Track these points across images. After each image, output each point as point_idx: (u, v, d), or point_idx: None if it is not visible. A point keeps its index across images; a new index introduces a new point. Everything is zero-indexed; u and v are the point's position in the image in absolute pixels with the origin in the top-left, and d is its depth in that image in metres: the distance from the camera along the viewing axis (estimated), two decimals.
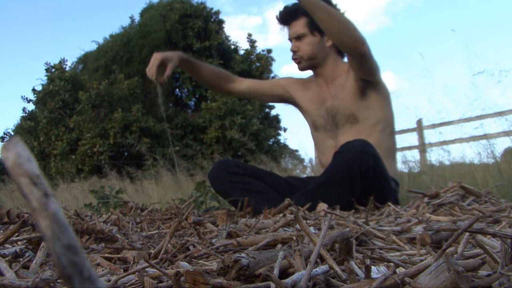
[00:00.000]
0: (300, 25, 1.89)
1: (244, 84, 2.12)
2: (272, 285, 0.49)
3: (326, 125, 1.93)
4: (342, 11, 1.88)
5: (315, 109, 1.96)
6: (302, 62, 1.92)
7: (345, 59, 1.95)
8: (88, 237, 0.88)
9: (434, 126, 4.96)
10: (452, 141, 4.27)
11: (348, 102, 1.85)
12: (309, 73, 2.03)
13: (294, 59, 1.95)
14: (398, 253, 0.78)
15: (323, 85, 1.95)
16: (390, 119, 1.89)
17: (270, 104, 13.60)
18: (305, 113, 2.03)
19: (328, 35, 1.79)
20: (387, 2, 30.03)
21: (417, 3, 29.70)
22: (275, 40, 25.00)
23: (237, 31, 26.34)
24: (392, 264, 0.60)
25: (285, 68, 22.46)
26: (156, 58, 1.84)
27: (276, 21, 1.97)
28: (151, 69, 1.83)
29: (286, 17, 1.93)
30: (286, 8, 1.93)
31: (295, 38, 1.91)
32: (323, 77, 1.95)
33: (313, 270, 0.54)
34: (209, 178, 1.94)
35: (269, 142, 12.36)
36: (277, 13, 1.95)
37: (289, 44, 1.97)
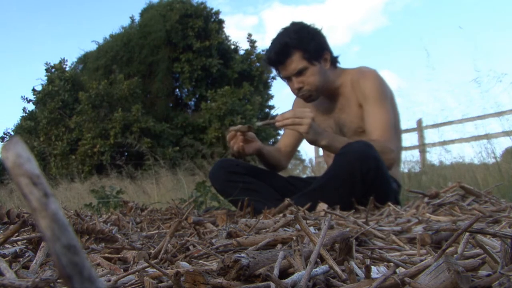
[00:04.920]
0: (297, 60, 1.80)
1: (289, 141, 2.08)
2: (272, 285, 0.49)
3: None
4: (319, 28, 1.87)
5: (323, 120, 1.95)
6: (312, 95, 1.86)
7: (345, 66, 1.94)
8: (88, 237, 0.88)
9: (434, 126, 4.97)
10: (452, 141, 4.28)
11: (354, 118, 1.85)
12: None
13: (301, 95, 1.87)
14: (398, 253, 0.78)
15: (329, 96, 1.93)
16: (396, 124, 1.88)
17: (270, 103, 13.62)
18: None
19: None
20: (385, 2, 30.07)
21: (415, 3, 29.71)
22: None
23: (233, 31, 26.39)
24: (392, 264, 0.60)
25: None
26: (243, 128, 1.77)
27: (268, 63, 1.89)
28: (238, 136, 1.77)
29: (280, 58, 1.82)
30: (275, 48, 1.84)
31: (295, 74, 1.82)
32: (327, 91, 1.91)
33: (313, 270, 0.54)
34: (209, 177, 1.94)
35: (269, 142, 12.38)
36: (267, 56, 1.87)
37: None
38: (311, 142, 1.65)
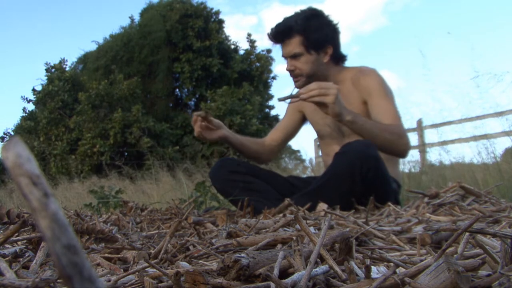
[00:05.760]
0: (295, 43, 1.82)
1: (275, 136, 2.09)
2: (272, 285, 0.49)
3: (332, 133, 1.93)
4: (334, 21, 1.87)
5: (320, 119, 1.94)
6: (300, 81, 1.87)
7: (345, 65, 1.93)
8: (88, 237, 0.88)
9: (434, 126, 4.97)
10: (452, 141, 4.28)
11: None
12: None
13: (292, 77, 1.89)
14: (398, 253, 0.78)
15: None
16: None
17: (270, 104, 13.62)
18: (312, 123, 2.03)
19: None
20: (384, 1, 30.03)
21: (414, 3, 29.68)
22: None
23: (233, 30, 26.38)
24: (392, 264, 0.61)
25: (281, 67, 22.44)
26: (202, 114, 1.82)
27: (269, 39, 1.91)
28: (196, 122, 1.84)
29: (280, 36, 1.86)
30: (278, 26, 1.87)
31: (290, 57, 1.85)
32: None
33: (313, 270, 0.54)
34: (210, 176, 1.94)
35: None
36: (270, 31, 1.89)
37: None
38: (337, 115, 1.55)
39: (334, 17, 1.88)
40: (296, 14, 1.87)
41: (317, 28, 1.82)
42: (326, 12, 1.88)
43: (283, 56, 1.90)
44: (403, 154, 1.72)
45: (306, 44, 1.81)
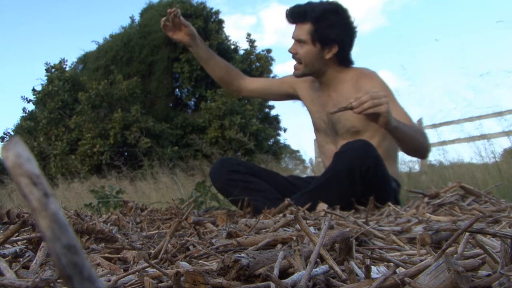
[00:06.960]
0: (303, 30, 1.83)
1: (255, 83, 2.12)
2: (272, 285, 0.49)
3: (326, 130, 1.92)
4: (352, 23, 1.85)
5: (316, 112, 1.95)
6: (299, 69, 1.87)
7: (349, 66, 1.91)
8: (88, 237, 0.88)
9: (434, 126, 4.97)
10: (452, 141, 4.28)
11: (351, 116, 1.80)
12: None
13: (293, 59, 1.91)
14: (398, 253, 0.78)
15: (325, 89, 1.92)
16: None
17: (270, 103, 13.61)
18: (309, 111, 2.03)
19: (401, 150, 1.75)
20: (383, 1, 29.96)
21: (413, 2, 29.59)
22: (271, 39, 24.98)
23: (232, 30, 26.34)
24: (392, 264, 0.61)
25: (280, 67, 22.39)
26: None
27: (285, 16, 1.91)
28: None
29: (293, 17, 1.87)
30: (296, 7, 1.87)
31: (296, 40, 1.86)
32: (324, 83, 1.91)
33: (313, 270, 0.54)
34: (210, 175, 1.94)
35: (269, 142, 12.36)
36: (288, 9, 1.90)
37: (286, 43, 1.94)
38: (387, 122, 1.49)
39: (355, 20, 1.85)
40: (319, 3, 1.85)
41: (330, 24, 1.80)
42: (349, 13, 1.86)
43: (292, 37, 1.90)
44: (427, 155, 1.74)
45: (313, 35, 1.81)
